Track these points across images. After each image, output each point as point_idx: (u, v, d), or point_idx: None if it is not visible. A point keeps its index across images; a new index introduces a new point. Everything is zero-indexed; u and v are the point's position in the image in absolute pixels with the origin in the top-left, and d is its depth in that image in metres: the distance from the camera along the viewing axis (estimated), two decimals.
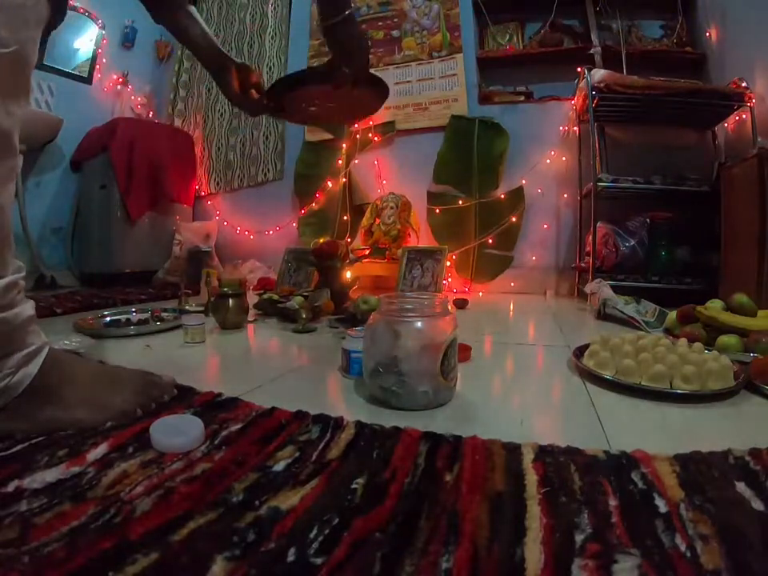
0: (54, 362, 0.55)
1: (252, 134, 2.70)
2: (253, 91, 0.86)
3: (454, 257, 2.16)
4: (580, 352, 0.87)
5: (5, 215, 0.49)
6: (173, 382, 0.66)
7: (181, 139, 2.67)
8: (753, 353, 0.85)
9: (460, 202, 2.21)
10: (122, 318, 1.26)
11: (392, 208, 2.17)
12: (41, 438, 0.50)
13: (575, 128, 2.14)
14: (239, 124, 2.74)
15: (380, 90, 0.85)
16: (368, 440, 0.51)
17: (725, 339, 0.91)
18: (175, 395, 0.64)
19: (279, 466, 0.45)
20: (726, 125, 1.90)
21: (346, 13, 0.70)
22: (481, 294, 2.15)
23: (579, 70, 1.92)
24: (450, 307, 0.69)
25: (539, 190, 2.20)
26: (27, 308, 0.52)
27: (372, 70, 0.83)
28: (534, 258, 2.22)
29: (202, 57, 0.87)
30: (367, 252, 2.01)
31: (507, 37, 2.38)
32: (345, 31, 0.71)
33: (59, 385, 0.54)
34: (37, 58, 0.50)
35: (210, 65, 0.86)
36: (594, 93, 1.77)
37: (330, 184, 2.41)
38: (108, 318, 1.25)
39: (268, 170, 2.66)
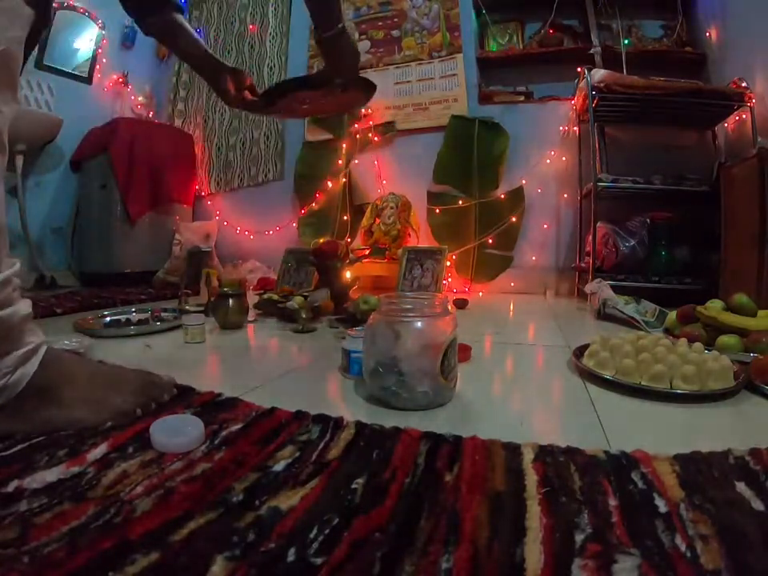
0: (53, 362, 0.54)
1: (252, 133, 2.70)
2: (247, 93, 0.91)
3: (453, 257, 2.16)
4: (580, 352, 0.87)
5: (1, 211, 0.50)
6: (173, 381, 0.66)
7: (181, 139, 2.67)
8: (753, 353, 0.85)
9: (460, 202, 2.21)
10: (122, 318, 1.26)
11: (392, 208, 2.17)
12: (41, 438, 0.50)
13: (575, 128, 2.14)
14: (239, 124, 2.74)
15: (368, 90, 0.92)
16: (368, 440, 0.51)
17: (725, 339, 0.91)
18: (175, 395, 0.64)
19: (279, 466, 0.45)
20: (726, 125, 1.90)
21: (339, 26, 0.76)
22: (481, 294, 2.15)
23: (579, 70, 1.92)
24: (450, 307, 0.69)
25: (539, 190, 2.20)
26: (24, 306, 0.52)
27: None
28: (534, 258, 2.22)
29: (196, 64, 0.91)
30: (367, 252, 2.01)
31: (507, 37, 2.38)
32: (337, 43, 0.78)
33: (58, 384, 0.54)
34: (23, 58, 0.52)
35: (204, 71, 0.90)
36: (594, 93, 1.77)
37: (330, 184, 2.41)
38: (108, 318, 1.25)
39: (268, 170, 2.66)
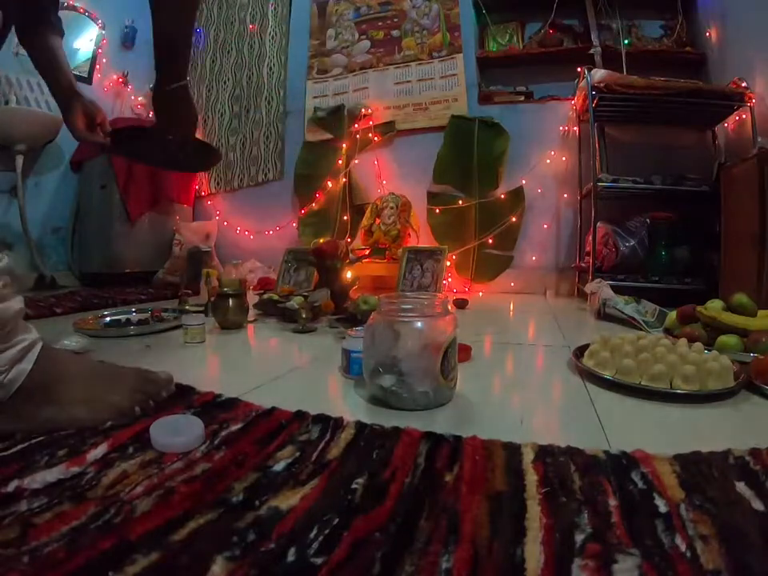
0: (50, 360, 0.54)
1: (252, 133, 2.70)
2: (98, 128, 0.92)
3: (453, 257, 2.16)
4: (580, 352, 0.87)
5: None
6: (170, 378, 0.65)
7: None
8: (753, 353, 0.85)
9: (460, 202, 2.21)
10: (122, 318, 1.26)
11: (392, 208, 2.17)
12: (41, 438, 0.50)
13: (575, 128, 2.14)
14: (239, 124, 2.74)
15: (208, 157, 0.92)
16: (368, 440, 0.51)
17: (725, 339, 0.91)
18: (173, 392, 0.64)
19: (279, 466, 0.45)
20: (725, 125, 1.90)
21: (179, 84, 0.73)
22: (481, 294, 2.15)
23: (579, 69, 1.92)
24: (450, 307, 0.69)
25: (539, 190, 2.20)
26: (14, 303, 0.51)
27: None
28: (533, 258, 2.22)
29: (58, 88, 0.89)
30: (367, 252, 2.01)
31: (507, 37, 2.38)
32: (177, 98, 0.75)
33: (55, 383, 0.54)
34: None
35: (62, 97, 0.89)
36: (593, 93, 1.77)
37: (330, 184, 2.41)
38: (108, 318, 1.25)
39: (268, 169, 2.66)
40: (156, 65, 0.72)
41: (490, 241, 2.18)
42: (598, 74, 1.79)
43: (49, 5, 0.88)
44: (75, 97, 0.89)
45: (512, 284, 2.22)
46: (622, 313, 1.31)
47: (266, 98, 2.67)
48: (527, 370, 0.93)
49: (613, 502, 0.38)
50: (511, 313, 1.71)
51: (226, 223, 2.71)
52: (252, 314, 1.35)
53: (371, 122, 2.39)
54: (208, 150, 0.91)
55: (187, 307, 1.38)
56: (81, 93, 0.90)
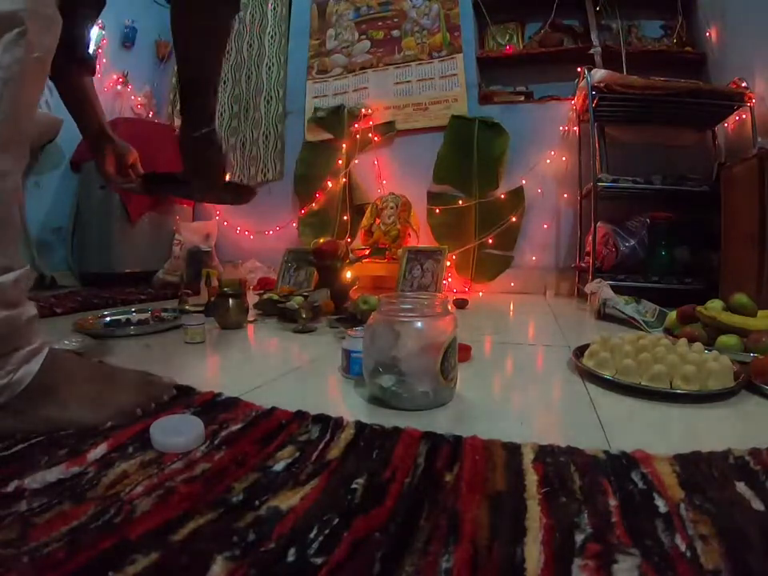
0: (54, 361, 0.55)
1: (252, 133, 2.70)
2: (130, 171, 0.90)
3: (453, 257, 2.16)
4: (580, 352, 0.87)
5: (18, 208, 0.50)
6: (172, 382, 0.66)
7: None
8: (753, 353, 0.85)
9: (460, 202, 2.21)
10: (122, 317, 1.26)
11: (392, 208, 2.17)
12: (41, 438, 0.50)
13: (575, 128, 2.14)
14: (239, 124, 2.74)
15: (239, 197, 0.91)
16: (368, 440, 0.51)
17: (725, 339, 0.91)
18: (174, 395, 0.64)
19: (279, 466, 0.45)
20: (725, 125, 1.90)
21: (204, 130, 0.70)
22: (481, 294, 2.15)
23: (579, 70, 1.92)
24: (450, 307, 0.69)
25: (539, 190, 2.20)
26: (31, 307, 0.53)
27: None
28: (534, 258, 2.22)
29: (86, 128, 0.87)
30: (367, 252, 2.01)
31: (507, 37, 2.38)
32: (203, 145, 0.72)
33: (59, 384, 0.54)
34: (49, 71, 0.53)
35: (91, 138, 0.87)
36: (594, 93, 1.77)
37: (330, 184, 2.41)
38: (108, 318, 1.25)
39: (268, 170, 2.66)
40: (181, 108, 0.71)
41: (490, 241, 2.18)
42: (598, 74, 1.79)
43: (78, 40, 0.82)
44: (104, 138, 0.87)
45: (512, 284, 2.22)
46: (622, 313, 1.31)
47: (265, 98, 2.67)
48: (527, 369, 0.93)
49: (613, 502, 0.38)
50: (511, 313, 1.71)
51: (225, 223, 2.71)
52: (252, 314, 1.35)
53: (371, 122, 2.39)
54: (239, 191, 0.92)
55: (187, 307, 1.38)
56: (111, 134, 0.88)
